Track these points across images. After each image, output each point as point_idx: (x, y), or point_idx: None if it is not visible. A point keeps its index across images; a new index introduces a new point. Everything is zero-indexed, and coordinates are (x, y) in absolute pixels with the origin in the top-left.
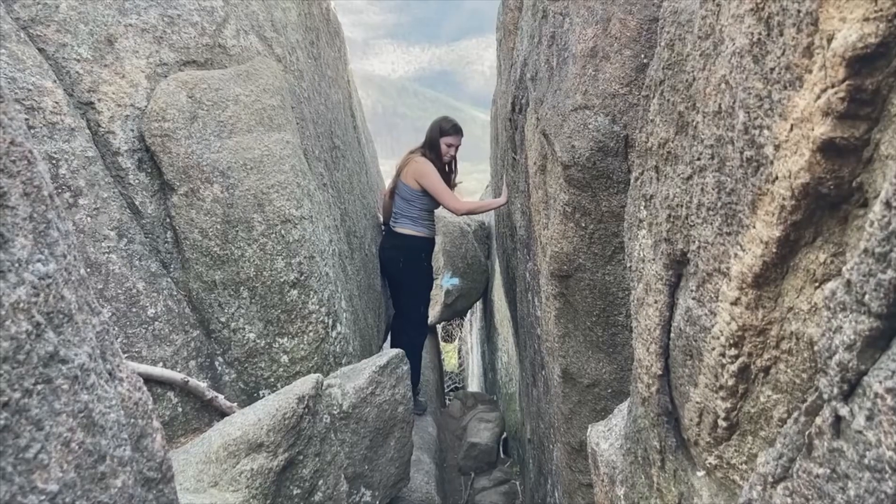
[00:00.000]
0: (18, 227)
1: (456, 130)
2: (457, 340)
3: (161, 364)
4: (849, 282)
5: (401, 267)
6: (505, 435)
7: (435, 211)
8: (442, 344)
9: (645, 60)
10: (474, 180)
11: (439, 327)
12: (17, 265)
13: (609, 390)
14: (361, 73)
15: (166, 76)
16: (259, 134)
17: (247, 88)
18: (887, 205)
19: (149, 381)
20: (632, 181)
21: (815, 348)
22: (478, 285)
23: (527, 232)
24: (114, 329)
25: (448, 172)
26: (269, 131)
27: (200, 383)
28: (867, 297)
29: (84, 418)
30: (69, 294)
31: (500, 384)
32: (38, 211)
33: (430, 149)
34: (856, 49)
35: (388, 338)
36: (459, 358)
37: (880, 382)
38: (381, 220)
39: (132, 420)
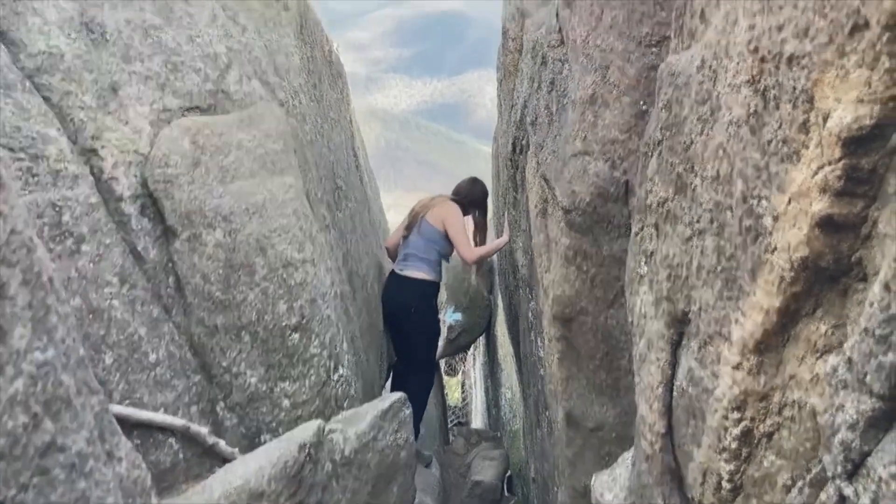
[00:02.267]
0: (17, 317)
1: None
2: (460, 374)
3: (162, 410)
4: (850, 360)
5: (412, 313)
6: (509, 473)
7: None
8: (445, 378)
9: (644, 107)
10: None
11: (442, 361)
12: (15, 356)
13: (613, 434)
14: (365, 107)
15: (169, 122)
16: (262, 178)
17: (249, 133)
18: (886, 287)
19: (150, 427)
20: (632, 236)
21: (819, 423)
22: (481, 320)
23: (529, 271)
24: (115, 376)
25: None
26: (272, 175)
27: (202, 429)
28: (869, 377)
29: None
30: (67, 379)
31: (504, 421)
32: (37, 297)
33: (473, 204)
34: (851, 130)
35: (390, 382)
36: (463, 392)
37: (884, 466)
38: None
39: (130, 500)
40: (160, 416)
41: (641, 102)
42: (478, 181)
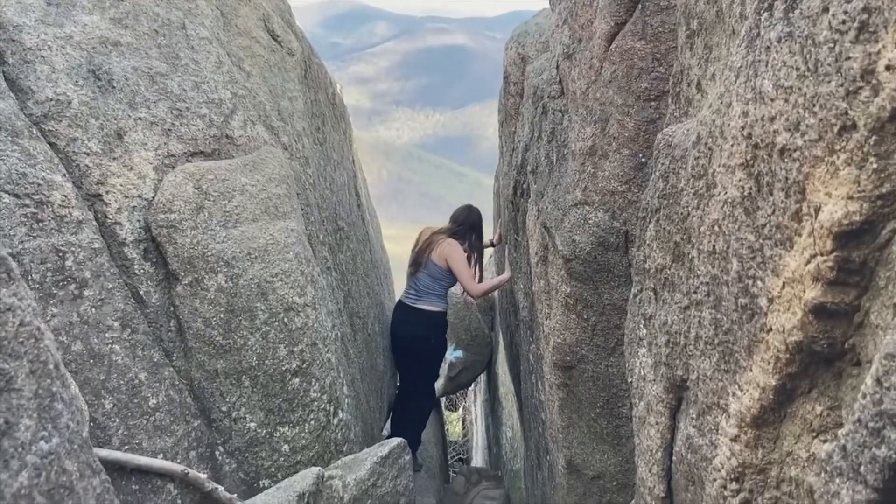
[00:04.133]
0: (24, 408)
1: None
2: (461, 409)
3: (161, 455)
4: (845, 447)
5: (432, 344)
6: None
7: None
8: (446, 413)
9: (643, 159)
10: None
11: (443, 398)
12: (20, 449)
13: (614, 483)
14: (368, 140)
15: (174, 167)
16: (264, 223)
17: (253, 178)
18: (878, 382)
19: (148, 473)
20: (631, 296)
21: None
22: (482, 358)
23: (530, 314)
24: (115, 421)
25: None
26: (275, 220)
27: (200, 475)
28: (863, 468)
29: None
30: (71, 465)
31: (505, 459)
32: (43, 386)
33: (472, 229)
34: (842, 225)
35: (391, 416)
36: (464, 427)
37: None
38: None
39: None
40: (158, 462)
41: (640, 155)
42: (473, 208)
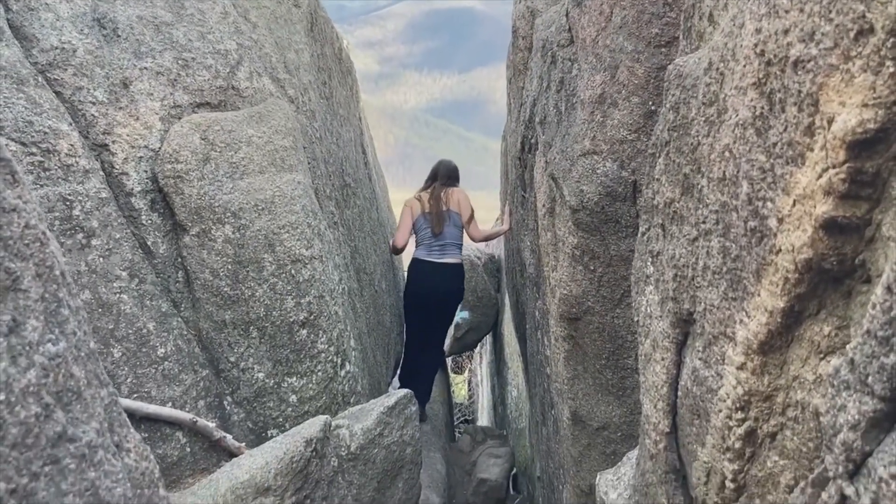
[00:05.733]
0: (30, 310)
1: None
2: (466, 372)
3: (170, 404)
4: (852, 360)
5: (461, 295)
6: (515, 471)
7: None
8: (452, 375)
9: (653, 107)
10: (485, 209)
11: (449, 359)
12: (27, 348)
13: (619, 434)
14: (376, 104)
15: (180, 118)
16: (271, 175)
17: (259, 130)
18: (889, 290)
19: (157, 421)
20: (639, 236)
21: (821, 423)
22: (488, 318)
23: (536, 270)
24: (123, 369)
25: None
26: (281, 172)
27: (209, 423)
28: (870, 378)
29: (91, 496)
30: (78, 371)
31: (510, 419)
32: (49, 291)
33: (457, 178)
34: (855, 134)
35: (399, 370)
36: (469, 389)
37: (885, 467)
38: (398, 248)
39: (139, 491)
40: (167, 410)
41: (650, 102)
42: (446, 160)
